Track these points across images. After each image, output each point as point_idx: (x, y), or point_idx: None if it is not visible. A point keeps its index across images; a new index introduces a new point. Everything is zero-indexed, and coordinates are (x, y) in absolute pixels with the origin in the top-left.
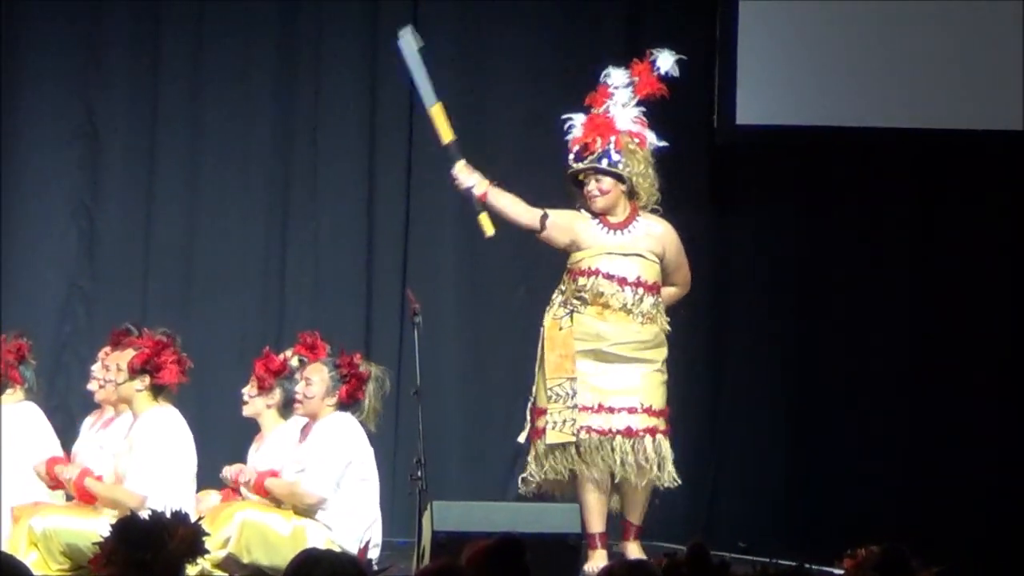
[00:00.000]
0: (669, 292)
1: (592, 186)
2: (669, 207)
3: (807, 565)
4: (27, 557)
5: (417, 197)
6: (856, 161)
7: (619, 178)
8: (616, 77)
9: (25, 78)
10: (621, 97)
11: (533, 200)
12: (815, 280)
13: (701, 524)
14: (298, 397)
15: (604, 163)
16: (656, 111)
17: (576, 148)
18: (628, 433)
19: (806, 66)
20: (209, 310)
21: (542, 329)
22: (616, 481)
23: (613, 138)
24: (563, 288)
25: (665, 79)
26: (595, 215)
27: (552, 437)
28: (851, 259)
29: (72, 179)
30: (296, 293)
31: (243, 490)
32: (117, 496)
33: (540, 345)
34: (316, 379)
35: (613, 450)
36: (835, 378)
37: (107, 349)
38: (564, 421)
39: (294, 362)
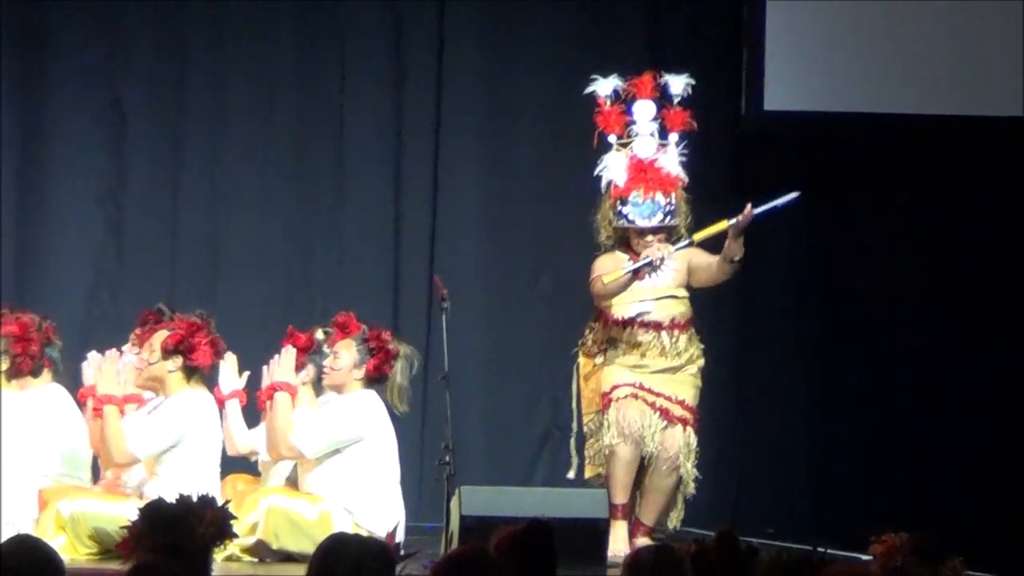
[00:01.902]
0: (725, 270)
1: (648, 239)
2: (695, 195)
3: (822, 550)
4: (55, 541)
5: (444, 184)
6: (885, 147)
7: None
8: (640, 110)
9: (52, 65)
10: (645, 128)
11: (556, 214)
12: (840, 267)
13: (728, 511)
14: (325, 369)
15: (668, 220)
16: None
17: (625, 199)
18: (664, 414)
19: (835, 51)
20: (235, 297)
21: (575, 366)
22: (646, 467)
23: (664, 191)
24: (594, 326)
25: (684, 102)
26: (629, 257)
27: (587, 472)
28: (877, 246)
29: (98, 165)
30: (324, 280)
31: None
32: (115, 440)
33: (575, 380)
34: (344, 352)
35: (651, 421)
36: (859, 367)
37: (138, 331)
38: (596, 454)
39: (319, 335)
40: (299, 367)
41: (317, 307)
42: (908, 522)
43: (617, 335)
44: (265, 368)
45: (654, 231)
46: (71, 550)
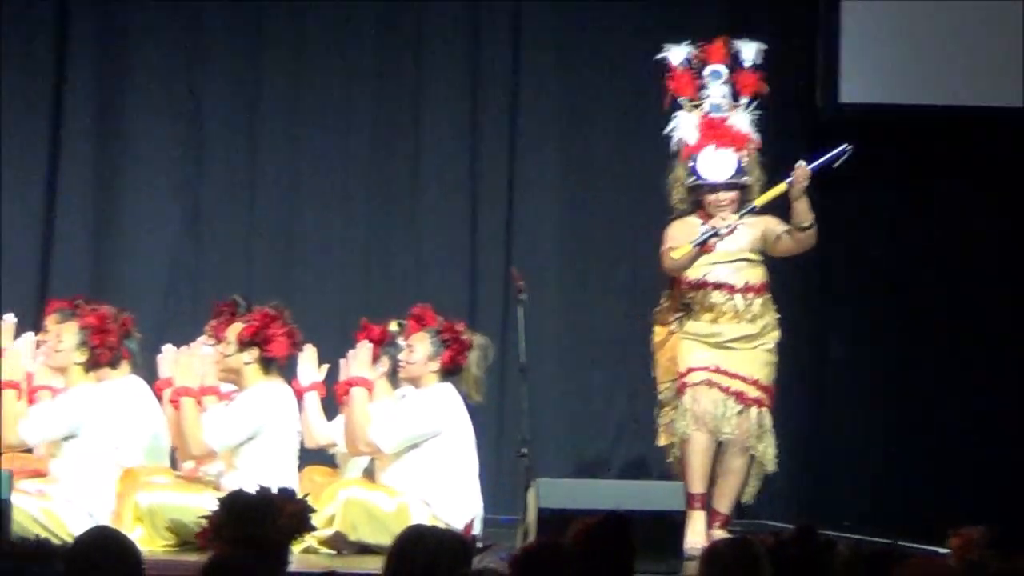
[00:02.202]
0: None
1: (721, 197)
2: (770, 188)
3: (901, 543)
4: (133, 532)
5: (520, 175)
6: (962, 141)
7: (744, 189)
8: (712, 72)
9: (130, 59)
10: (717, 91)
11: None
12: (918, 260)
13: (805, 503)
14: (401, 363)
15: (741, 177)
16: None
17: (696, 157)
18: (739, 397)
19: (911, 43)
20: (312, 289)
21: (652, 335)
22: (718, 449)
23: (744, 149)
24: (669, 293)
25: (758, 68)
26: (702, 220)
27: (663, 440)
28: (955, 239)
29: (175, 158)
30: (400, 272)
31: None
32: (192, 432)
33: (653, 348)
34: (418, 345)
35: (725, 408)
36: (938, 357)
37: (213, 323)
38: (671, 422)
39: (393, 327)
40: (373, 359)
41: (394, 299)
42: (986, 515)
43: (691, 298)
44: (343, 361)
45: (727, 187)
46: (149, 542)
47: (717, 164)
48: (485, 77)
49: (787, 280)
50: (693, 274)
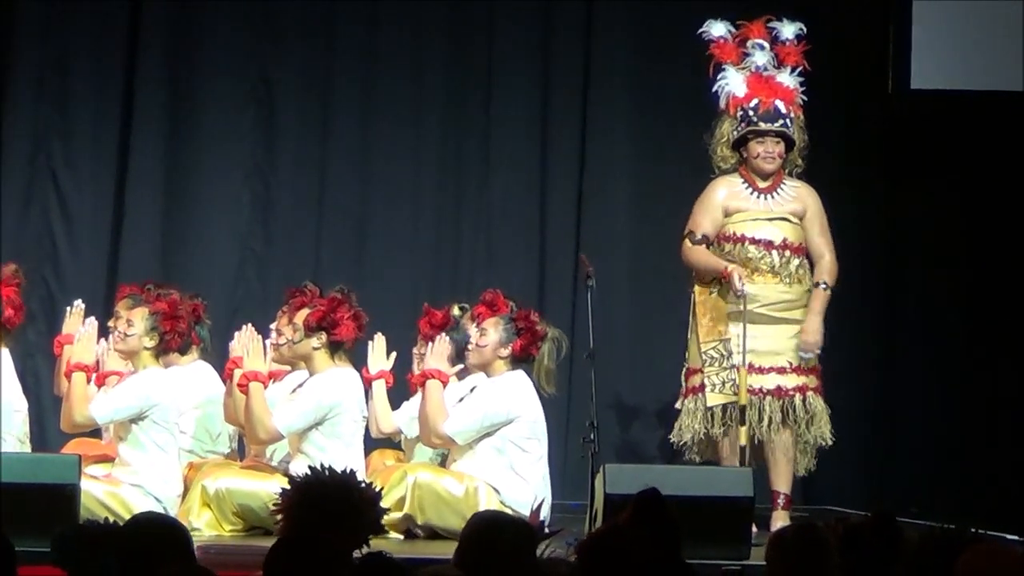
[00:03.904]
0: (825, 263)
1: (769, 148)
2: (841, 176)
3: (975, 529)
4: (200, 517)
5: (590, 160)
6: None
7: (788, 142)
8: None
9: (201, 45)
10: (761, 57)
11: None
12: (988, 247)
13: (872, 488)
14: (470, 345)
15: (789, 127)
16: (827, 75)
17: (745, 108)
18: (778, 393)
19: (983, 28)
20: (382, 276)
21: (692, 294)
22: (757, 443)
23: (784, 101)
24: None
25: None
26: (744, 179)
27: (713, 399)
28: None
29: (246, 144)
30: (470, 258)
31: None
32: (260, 414)
33: (691, 310)
34: (491, 330)
35: (762, 411)
36: (1008, 343)
37: (284, 308)
38: (723, 383)
39: (455, 311)
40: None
41: (462, 285)
42: None
43: (727, 253)
44: (414, 350)
45: (775, 137)
46: (216, 526)
47: (766, 114)
48: (556, 62)
49: (853, 274)
50: (731, 228)
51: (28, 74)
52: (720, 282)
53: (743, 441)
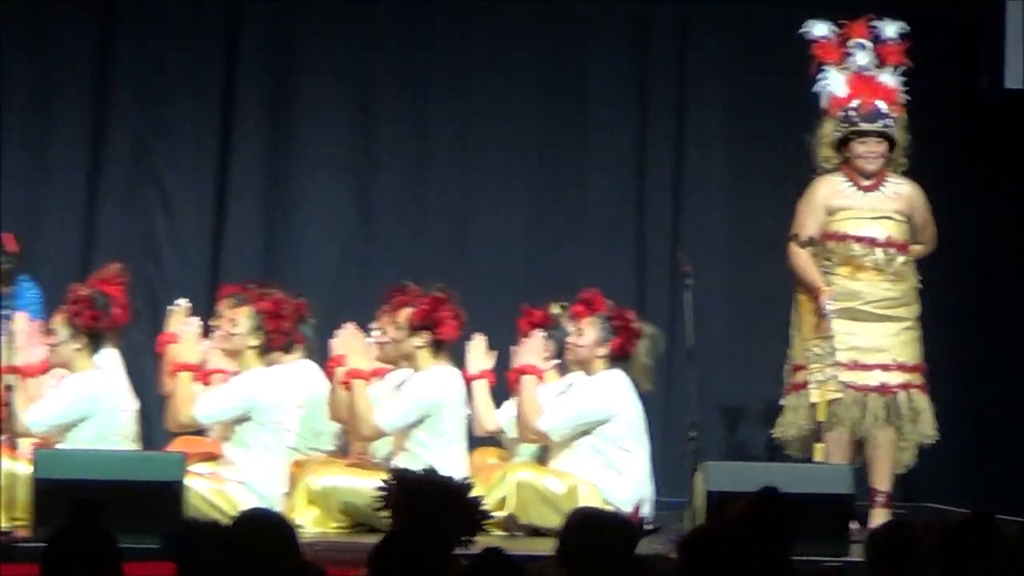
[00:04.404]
0: (915, 250)
1: (871, 148)
2: (934, 174)
3: None
4: (305, 515)
5: (688, 161)
6: None
7: (891, 141)
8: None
9: (301, 45)
10: (862, 56)
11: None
12: None
13: (970, 485)
14: (569, 345)
15: (890, 127)
16: (919, 74)
17: (846, 108)
18: (882, 390)
19: None
20: (481, 276)
21: (795, 292)
22: (858, 437)
23: (886, 101)
24: (813, 249)
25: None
26: (847, 177)
27: (816, 395)
28: None
29: (345, 144)
30: (568, 258)
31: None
32: (363, 411)
33: (794, 307)
34: (589, 329)
35: (866, 407)
36: None
37: (384, 307)
38: (827, 379)
39: (555, 310)
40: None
41: (561, 284)
42: None
43: (831, 250)
44: (514, 348)
45: (877, 137)
46: (322, 523)
47: (867, 114)
48: (652, 64)
49: (948, 274)
50: (835, 226)
51: (130, 76)
52: (825, 278)
53: (819, 457)
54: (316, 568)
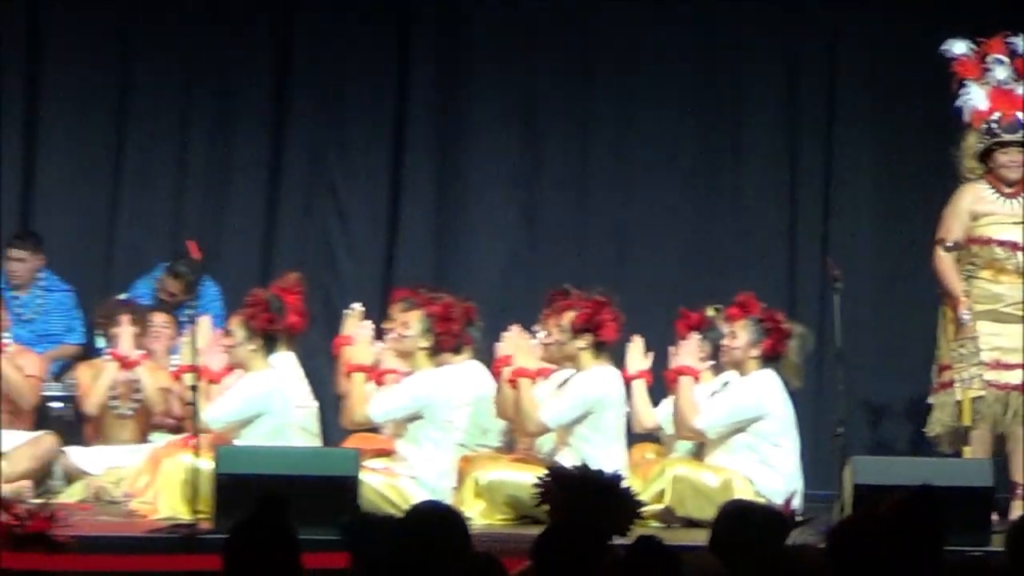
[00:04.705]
0: None
1: (1012, 157)
2: None
3: None
4: (473, 507)
5: (838, 168)
6: None
7: None
8: (994, 58)
9: (468, 63)
10: (1001, 72)
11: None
12: None
13: None
14: (724, 347)
15: None
16: None
17: (988, 121)
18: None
19: None
20: (639, 280)
21: (940, 293)
22: (999, 432)
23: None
24: (958, 254)
25: None
26: (991, 185)
27: (960, 393)
28: None
29: (511, 156)
30: (723, 263)
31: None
32: (529, 409)
33: (940, 309)
34: (741, 332)
35: (1007, 405)
36: None
37: (547, 310)
38: (972, 377)
39: (710, 312)
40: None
41: (716, 290)
42: None
43: (974, 254)
44: (672, 349)
45: (1019, 146)
46: (488, 515)
47: (1009, 126)
48: (803, 77)
49: None
50: (979, 231)
51: (307, 95)
52: (969, 281)
53: (967, 454)
54: (490, 557)
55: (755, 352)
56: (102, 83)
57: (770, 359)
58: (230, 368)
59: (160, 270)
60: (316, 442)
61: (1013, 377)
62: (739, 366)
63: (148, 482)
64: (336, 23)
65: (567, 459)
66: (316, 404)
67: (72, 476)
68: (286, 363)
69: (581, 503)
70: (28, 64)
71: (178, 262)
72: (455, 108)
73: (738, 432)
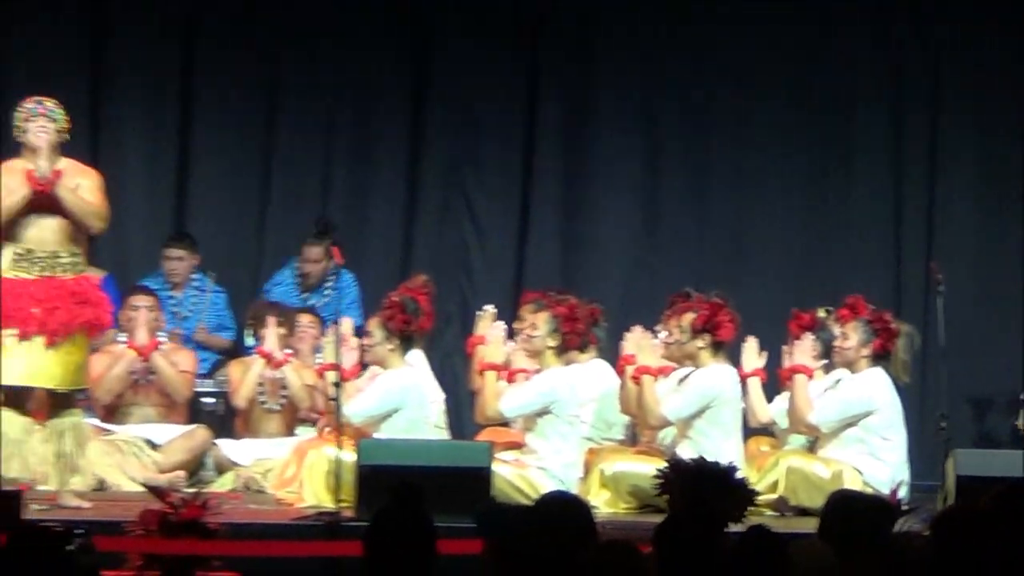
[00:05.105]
0: None
1: None
2: None
3: None
4: (599, 497)
5: (941, 177)
6: None
7: None
8: None
9: (593, 80)
10: None
11: None
12: None
13: None
14: (836, 348)
15: None
16: None
17: None
18: None
19: None
20: (754, 281)
21: None
22: None
23: None
24: None
25: None
26: None
27: None
28: None
29: (635, 166)
30: (833, 266)
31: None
32: (651, 404)
33: None
34: (852, 333)
35: None
36: None
37: (668, 311)
38: None
39: (821, 314)
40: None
41: (827, 291)
42: None
43: None
44: (785, 348)
45: None
46: (612, 504)
47: None
48: (907, 89)
49: None
50: None
51: (443, 108)
52: None
53: None
54: (628, 544)
55: (866, 351)
56: (253, 102)
57: (880, 357)
58: (361, 366)
59: (295, 261)
60: (444, 434)
61: None
62: (850, 365)
63: (294, 473)
64: (470, 46)
65: (686, 451)
66: (443, 397)
67: (223, 467)
68: (418, 360)
69: (699, 493)
70: (181, 82)
71: (318, 224)
72: (580, 123)
73: (849, 426)
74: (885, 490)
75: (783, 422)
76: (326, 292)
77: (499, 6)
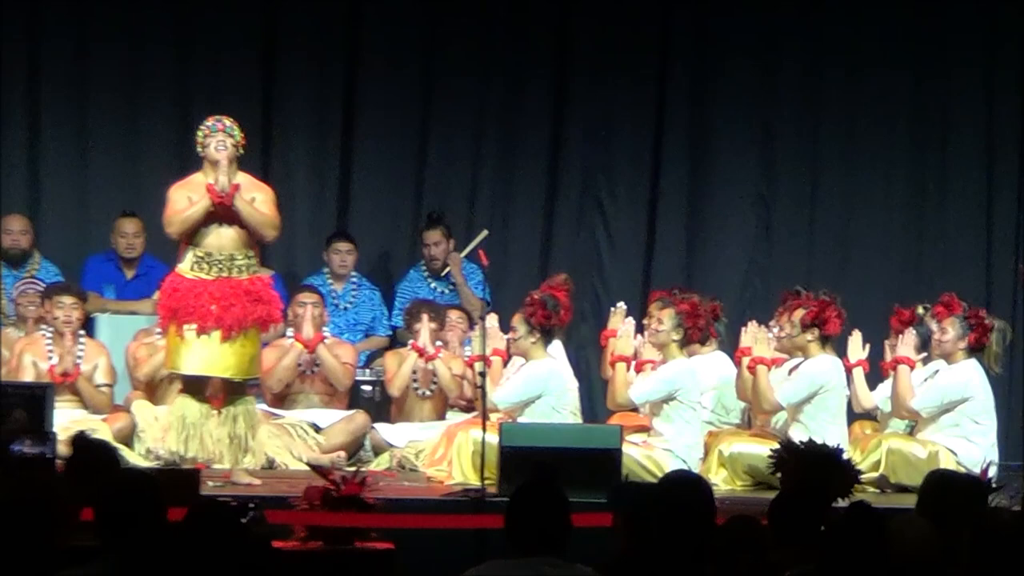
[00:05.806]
0: None
1: None
2: None
3: None
4: (718, 475)
5: None
6: None
7: None
8: None
9: (715, 95)
10: None
11: None
12: None
13: None
14: (935, 341)
15: None
16: None
17: None
18: None
19: None
20: (859, 281)
21: None
22: None
23: None
24: None
25: None
26: None
27: None
28: None
29: (752, 176)
30: (932, 266)
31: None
32: (765, 391)
33: None
34: (949, 328)
35: None
36: None
37: (781, 307)
38: None
39: (920, 310)
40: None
41: (923, 289)
42: None
43: None
44: (887, 342)
45: None
46: (730, 482)
47: None
48: (1000, 96)
49: None
50: None
51: (580, 123)
52: None
53: None
54: (750, 518)
55: (962, 344)
56: (409, 119)
57: (975, 350)
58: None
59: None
60: (577, 419)
61: None
62: (948, 356)
63: (443, 453)
64: (606, 68)
65: (797, 434)
66: (576, 384)
67: (379, 448)
68: (558, 351)
69: (809, 471)
70: (343, 102)
71: (430, 216)
72: (703, 139)
73: (946, 412)
74: (977, 469)
75: (885, 407)
76: (451, 278)
77: (633, 33)
